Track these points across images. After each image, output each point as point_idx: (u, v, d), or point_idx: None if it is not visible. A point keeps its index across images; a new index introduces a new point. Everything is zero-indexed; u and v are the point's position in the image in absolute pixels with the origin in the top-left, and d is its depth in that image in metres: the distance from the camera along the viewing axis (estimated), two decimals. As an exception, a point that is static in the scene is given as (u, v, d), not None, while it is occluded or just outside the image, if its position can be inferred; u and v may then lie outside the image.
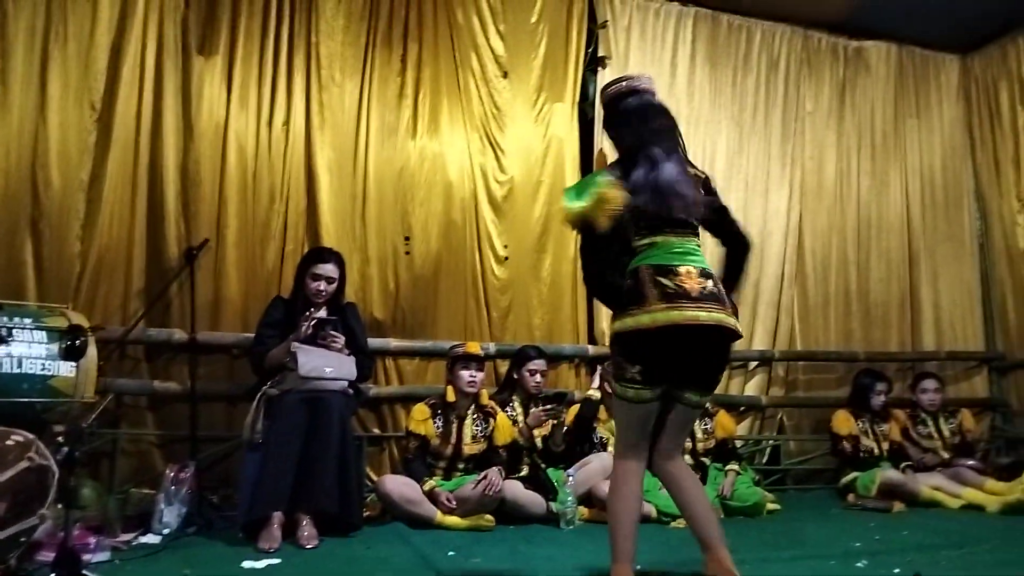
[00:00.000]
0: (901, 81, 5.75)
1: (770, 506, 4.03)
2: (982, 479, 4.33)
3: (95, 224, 3.75)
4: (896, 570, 2.66)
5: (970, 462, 4.54)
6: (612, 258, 2.25)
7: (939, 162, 5.76)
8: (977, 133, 5.83)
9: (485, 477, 3.45)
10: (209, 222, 3.99)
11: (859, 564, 2.78)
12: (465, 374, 3.70)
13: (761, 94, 5.32)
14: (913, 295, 5.53)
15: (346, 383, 3.37)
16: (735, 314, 2.24)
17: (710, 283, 2.21)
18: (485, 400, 3.77)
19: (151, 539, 3.04)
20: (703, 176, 2.39)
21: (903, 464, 4.42)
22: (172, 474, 3.29)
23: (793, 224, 5.27)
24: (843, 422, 4.52)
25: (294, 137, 4.22)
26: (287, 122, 4.22)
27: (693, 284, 2.16)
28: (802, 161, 5.37)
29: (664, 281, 2.16)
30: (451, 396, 3.70)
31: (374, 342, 4.05)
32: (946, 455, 4.64)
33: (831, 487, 4.66)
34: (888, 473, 4.25)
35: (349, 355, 3.44)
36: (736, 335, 2.23)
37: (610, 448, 3.96)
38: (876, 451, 4.48)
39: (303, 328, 3.33)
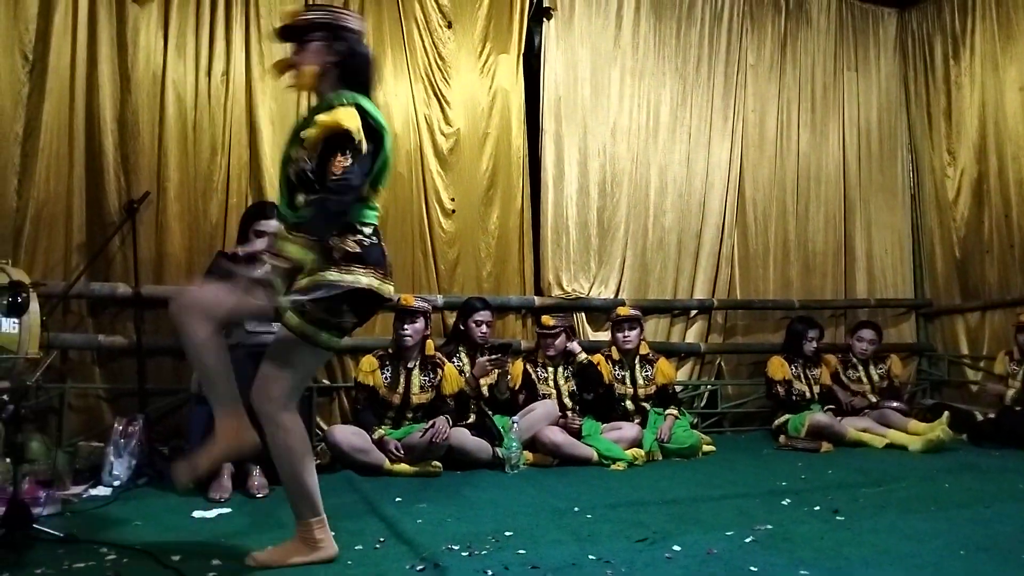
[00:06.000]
0: (841, 34, 5.85)
1: (706, 448, 4.24)
2: (906, 420, 4.57)
3: (32, 178, 3.68)
4: (816, 507, 2.84)
5: (895, 404, 4.79)
6: None
7: (875, 115, 5.91)
8: (912, 87, 6.00)
9: (433, 425, 3.55)
10: (149, 175, 3.94)
11: (784, 502, 2.96)
12: (400, 326, 3.77)
13: (705, 47, 5.37)
14: (847, 244, 5.73)
15: (293, 336, 3.41)
16: None
17: None
18: (431, 351, 3.85)
19: (102, 491, 3.09)
20: None
21: (831, 407, 4.66)
22: (120, 427, 3.33)
23: (735, 175, 5.39)
24: (777, 367, 4.73)
25: (235, 88, 4.16)
26: (226, 72, 4.15)
27: None
28: (744, 114, 5.46)
29: None
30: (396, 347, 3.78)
31: (322, 295, 4.09)
32: (874, 398, 4.88)
33: (765, 429, 4.87)
34: (817, 415, 4.48)
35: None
36: None
37: (553, 396, 4.11)
38: (807, 395, 4.71)
39: None
